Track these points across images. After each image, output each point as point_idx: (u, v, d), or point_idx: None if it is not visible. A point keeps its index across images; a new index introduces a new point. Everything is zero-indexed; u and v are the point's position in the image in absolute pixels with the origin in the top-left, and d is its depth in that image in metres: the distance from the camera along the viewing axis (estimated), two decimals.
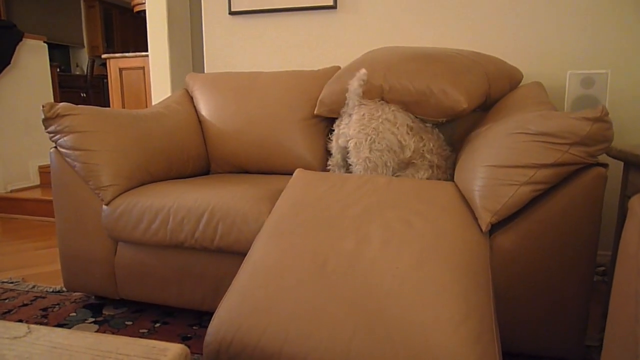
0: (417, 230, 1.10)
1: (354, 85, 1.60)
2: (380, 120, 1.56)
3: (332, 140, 1.72)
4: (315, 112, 1.81)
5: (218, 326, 1.00)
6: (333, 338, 0.92)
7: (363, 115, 1.58)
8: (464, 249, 1.07)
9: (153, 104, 2.62)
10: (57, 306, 1.66)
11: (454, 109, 1.55)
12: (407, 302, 0.94)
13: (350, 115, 1.62)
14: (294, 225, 1.18)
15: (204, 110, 1.99)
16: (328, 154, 1.91)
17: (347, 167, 1.71)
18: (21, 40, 3.36)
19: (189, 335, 1.44)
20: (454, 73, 1.58)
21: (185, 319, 1.55)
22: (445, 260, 1.02)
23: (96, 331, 1.47)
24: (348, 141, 1.59)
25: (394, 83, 1.61)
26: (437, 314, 0.91)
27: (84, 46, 6.98)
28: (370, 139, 1.55)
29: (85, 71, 6.32)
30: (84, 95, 6.10)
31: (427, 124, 1.65)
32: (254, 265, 1.11)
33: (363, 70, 1.59)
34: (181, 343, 0.87)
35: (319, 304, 0.97)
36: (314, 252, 1.08)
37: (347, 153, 1.61)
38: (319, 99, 1.79)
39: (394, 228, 1.11)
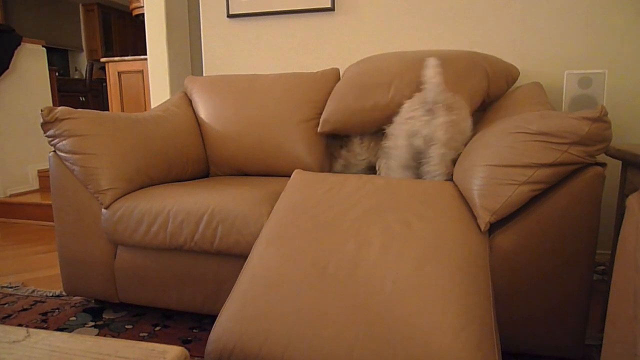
0: (416, 232, 1.10)
1: (430, 74, 1.41)
2: (465, 134, 1.39)
3: (391, 134, 1.50)
4: (318, 130, 1.80)
5: (219, 335, 1.00)
6: (335, 345, 0.91)
7: (451, 121, 1.38)
8: (464, 251, 1.07)
9: (152, 107, 2.62)
10: (56, 310, 1.65)
11: None
12: (408, 308, 0.94)
13: (430, 110, 1.40)
14: (293, 230, 1.18)
15: (203, 113, 2.00)
16: (332, 156, 1.90)
17: (416, 169, 1.48)
18: (20, 44, 3.37)
19: (189, 339, 1.44)
20: (456, 78, 1.58)
21: (185, 322, 1.55)
22: (445, 264, 1.02)
23: (96, 335, 1.46)
24: (430, 145, 1.38)
25: (400, 98, 1.61)
26: (437, 320, 0.91)
27: (82, 50, 6.99)
28: (456, 154, 1.39)
29: (84, 75, 6.32)
30: (83, 99, 6.10)
31: None
32: (254, 271, 1.10)
33: (433, 59, 1.45)
34: (181, 346, 0.87)
35: (320, 310, 0.97)
36: (314, 256, 1.08)
37: (421, 153, 1.41)
38: (323, 117, 1.77)
39: (394, 230, 1.11)
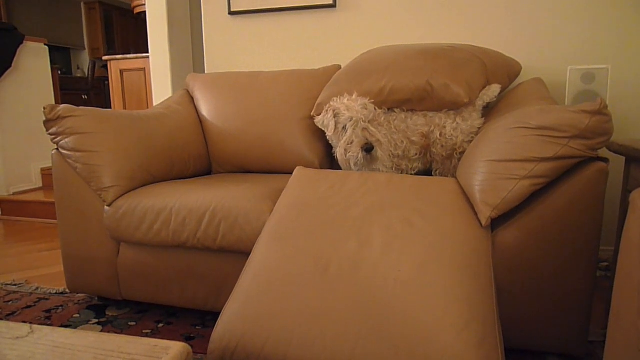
0: (418, 230, 1.10)
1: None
2: None
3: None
4: (312, 113, 1.79)
5: (221, 333, 1.00)
6: (337, 343, 0.91)
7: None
8: (466, 249, 1.06)
9: (154, 104, 2.62)
10: (60, 308, 1.66)
11: (456, 103, 1.56)
12: (411, 307, 0.93)
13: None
14: (295, 228, 1.17)
15: (205, 110, 2.00)
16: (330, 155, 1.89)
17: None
18: (22, 43, 3.37)
19: (192, 335, 1.44)
20: (453, 67, 1.58)
21: (188, 319, 1.55)
22: (447, 262, 1.01)
23: (100, 332, 1.47)
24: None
25: (394, 84, 1.61)
26: (440, 319, 0.91)
27: (84, 48, 6.99)
28: None
29: (87, 73, 6.33)
30: (86, 97, 6.11)
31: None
32: (256, 269, 1.10)
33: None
34: (184, 343, 0.87)
35: (322, 310, 0.96)
36: (316, 255, 1.08)
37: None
38: (317, 101, 1.77)
39: (396, 229, 1.11)
